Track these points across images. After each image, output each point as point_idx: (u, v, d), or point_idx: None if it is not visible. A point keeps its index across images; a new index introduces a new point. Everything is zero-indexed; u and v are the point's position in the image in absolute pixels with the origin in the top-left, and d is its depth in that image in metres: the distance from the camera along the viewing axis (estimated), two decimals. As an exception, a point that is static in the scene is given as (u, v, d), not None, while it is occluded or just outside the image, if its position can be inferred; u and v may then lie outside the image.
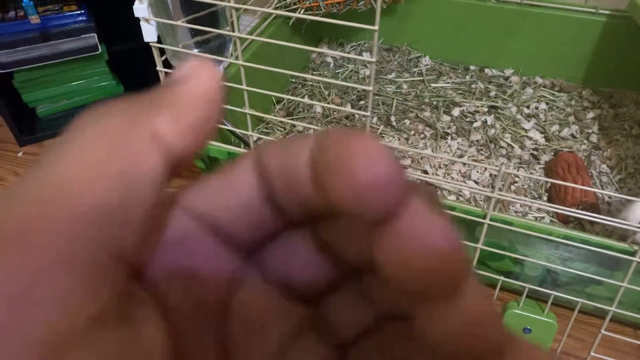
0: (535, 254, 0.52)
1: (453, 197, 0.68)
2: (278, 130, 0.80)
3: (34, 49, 0.82)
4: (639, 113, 0.81)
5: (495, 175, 0.72)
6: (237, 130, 0.60)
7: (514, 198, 0.46)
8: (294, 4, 0.80)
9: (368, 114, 0.46)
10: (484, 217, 0.47)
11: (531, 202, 0.49)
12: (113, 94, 0.96)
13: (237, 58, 0.47)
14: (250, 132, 0.54)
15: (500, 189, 0.46)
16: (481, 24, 0.89)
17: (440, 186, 0.69)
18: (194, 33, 0.50)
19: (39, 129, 0.88)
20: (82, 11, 0.85)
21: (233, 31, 0.49)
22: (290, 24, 0.83)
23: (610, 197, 0.68)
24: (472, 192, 0.66)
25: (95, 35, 0.86)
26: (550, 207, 0.47)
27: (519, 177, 0.71)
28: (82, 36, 0.85)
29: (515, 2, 0.86)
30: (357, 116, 0.83)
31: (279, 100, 0.85)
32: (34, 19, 0.79)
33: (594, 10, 0.81)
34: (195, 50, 0.53)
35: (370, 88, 0.43)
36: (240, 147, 0.60)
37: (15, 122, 0.85)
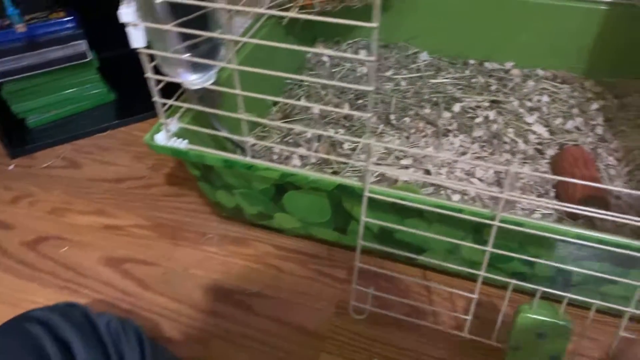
0: (545, 255, 0.50)
1: (457, 197, 0.66)
2: (275, 133, 0.78)
3: (21, 59, 0.79)
4: (645, 102, 0.79)
5: (500, 172, 0.70)
6: (233, 137, 0.58)
7: (522, 198, 0.44)
8: (289, 1, 0.78)
9: (369, 115, 0.44)
10: (493, 219, 0.45)
11: (538, 202, 0.47)
12: (105, 101, 0.93)
13: (230, 61, 0.45)
14: (246, 138, 0.52)
15: (509, 189, 0.44)
16: (479, 17, 0.87)
17: (443, 186, 0.67)
18: (185, 37, 0.48)
19: (30, 140, 0.86)
20: (71, 18, 0.83)
21: (226, 33, 0.47)
22: (283, 24, 0.81)
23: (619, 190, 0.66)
24: (477, 192, 0.64)
25: (85, 42, 0.83)
26: (559, 205, 0.45)
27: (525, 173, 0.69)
28: (71, 43, 0.83)
29: (513, -7, 0.83)
30: (355, 116, 0.81)
31: (276, 102, 0.83)
32: (20, 28, 0.76)
33: (597, 0, 0.79)
34: (186, 55, 0.51)
35: (371, 88, 0.41)
36: (236, 153, 0.58)
37: (5, 134, 0.83)
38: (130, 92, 0.93)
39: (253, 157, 0.53)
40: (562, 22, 0.82)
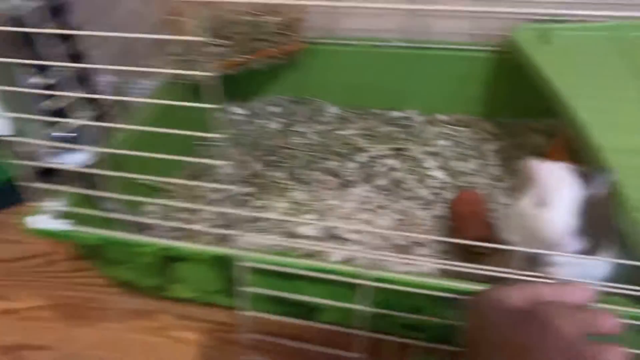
0: (428, 304, 0.51)
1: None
2: (180, 195, 0.77)
3: None
4: (538, 141, 0.83)
5: (402, 219, 0.72)
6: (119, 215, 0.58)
7: (382, 255, 0.45)
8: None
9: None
10: (360, 277, 0.46)
11: (386, 256, 0.48)
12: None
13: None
14: (126, 216, 0.52)
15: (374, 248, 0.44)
16: (380, 69, 0.90)
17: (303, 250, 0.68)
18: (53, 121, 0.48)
19: None
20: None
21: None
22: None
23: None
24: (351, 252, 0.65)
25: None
26: (424, 260, 0.46)
27: (425, 219, 0.71)
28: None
29: (407, 46, 0.88)
30: (268, 173, 0.82)
31: (184, 166, 0.83)
32: None
33: (481, 48, 0.84)
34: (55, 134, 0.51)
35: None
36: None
37: None
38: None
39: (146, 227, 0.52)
40: (454, 69, 0.87)
